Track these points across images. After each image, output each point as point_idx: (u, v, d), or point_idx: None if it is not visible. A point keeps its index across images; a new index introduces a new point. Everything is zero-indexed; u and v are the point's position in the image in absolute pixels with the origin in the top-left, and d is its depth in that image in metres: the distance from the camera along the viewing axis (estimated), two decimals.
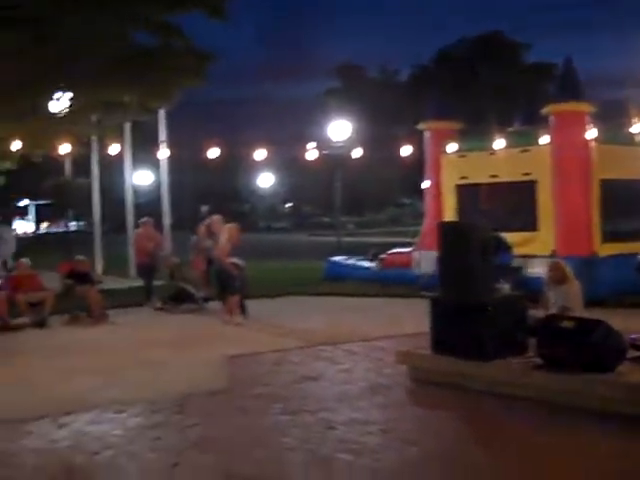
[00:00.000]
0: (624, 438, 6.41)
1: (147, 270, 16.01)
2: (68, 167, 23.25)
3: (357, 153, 21.74)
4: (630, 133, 15.42)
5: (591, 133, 14.71)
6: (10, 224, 38.35)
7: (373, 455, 6.17)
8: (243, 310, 13.69)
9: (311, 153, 20.91)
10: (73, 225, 26.12)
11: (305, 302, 16.02)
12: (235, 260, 13.63)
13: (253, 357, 10.53)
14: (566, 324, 7.80)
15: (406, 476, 5.83)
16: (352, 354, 10.44)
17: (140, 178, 23.34)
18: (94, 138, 19.73)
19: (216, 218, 14.95)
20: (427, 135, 17.81)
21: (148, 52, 12.25)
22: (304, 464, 6.06)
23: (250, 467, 6.03)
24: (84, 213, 37.56)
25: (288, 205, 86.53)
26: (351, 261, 19.92)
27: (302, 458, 6.18)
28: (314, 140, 23.38)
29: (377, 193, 56.50)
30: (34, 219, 71.26)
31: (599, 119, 15.19)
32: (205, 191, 63.98)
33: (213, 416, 7.60)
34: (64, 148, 14.33)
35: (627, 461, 5.92)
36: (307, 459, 6.15)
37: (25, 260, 14.81)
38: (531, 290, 9.95)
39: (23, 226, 66.13)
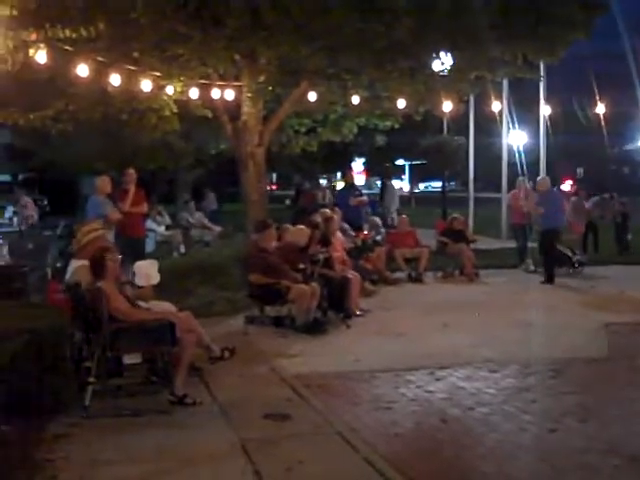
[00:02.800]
0: None
1: (522, 231, 15.76)
2: (445, 126, 23.54)
3: None
4: None
5: None
6: None
7: None
8: None
9: None
10: (445, 186, 26.51)
11: None
12: None
13: (634, 327, 9.89)
14: None
15: None
16: None
17: (515, 138, 22.88)
18: (472, 96, 19.67)
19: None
20: None
21: (535, 4, 11.84)
22: None
23: (636, 444, 5.63)
24: (458, 173, 38.02)
25: None
26: None
27: None
28: None
29: None
30: (409, 178, 73.67)
31: None
32: (582, 152, 61.53)
33: (592, 385, 7.25)
34: (445, 106, 14.49)
35: None
36: None
37: (405, 217, 15.35)
38: None
39: (399, 185, 68.81)
